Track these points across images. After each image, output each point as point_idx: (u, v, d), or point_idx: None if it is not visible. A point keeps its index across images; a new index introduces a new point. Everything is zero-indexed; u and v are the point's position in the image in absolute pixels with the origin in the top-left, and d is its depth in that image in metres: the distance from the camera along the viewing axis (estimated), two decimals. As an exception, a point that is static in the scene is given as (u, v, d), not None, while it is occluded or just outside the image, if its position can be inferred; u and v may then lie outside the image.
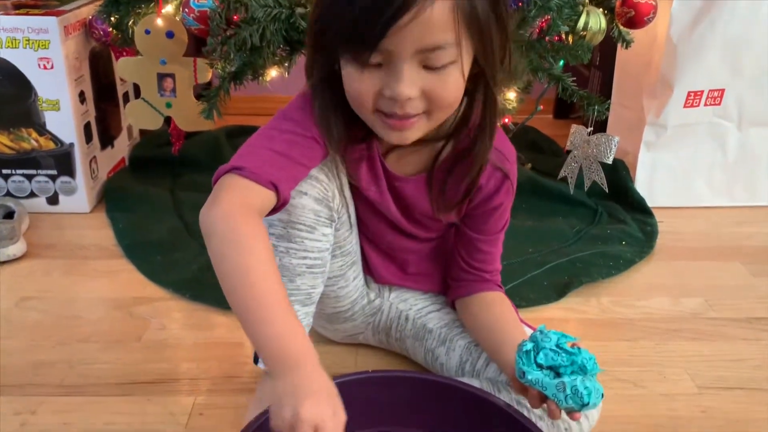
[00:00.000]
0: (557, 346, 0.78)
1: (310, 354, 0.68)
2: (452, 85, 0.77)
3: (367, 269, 1.07)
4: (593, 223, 1.63)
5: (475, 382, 0.94)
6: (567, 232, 1.59)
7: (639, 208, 1.70)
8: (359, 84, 0.76)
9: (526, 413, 0.83)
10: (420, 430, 0.85)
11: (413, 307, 1.09)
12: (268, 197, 0.77)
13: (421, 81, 0.75)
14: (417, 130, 0.80)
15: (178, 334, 1.19)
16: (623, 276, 1.43)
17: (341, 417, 0.65)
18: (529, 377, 0.78)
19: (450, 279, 1.05)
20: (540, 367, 0.78)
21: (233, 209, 0.72)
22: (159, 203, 1.65)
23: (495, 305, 1.00)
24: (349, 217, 0.95)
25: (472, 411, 0.83)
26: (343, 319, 1.08)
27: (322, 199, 0.87)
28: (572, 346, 0.80)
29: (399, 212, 0.98)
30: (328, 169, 0.89)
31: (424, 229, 1.01)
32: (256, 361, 0.98)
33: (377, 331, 1.13)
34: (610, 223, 1.64)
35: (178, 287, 1.30)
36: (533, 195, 1.72)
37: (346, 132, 0.86)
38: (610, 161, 1.38)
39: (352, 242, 0.99)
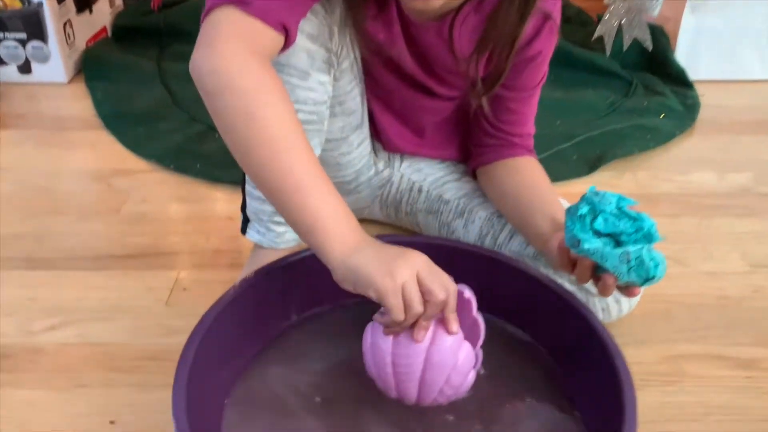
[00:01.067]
0: (618, 209, 0.63)
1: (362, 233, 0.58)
2: None
3: (376, 135, 0.92)
4: (628, 95, 1.46)
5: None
6: (599, 104, 1.42)
7: (678, 80, 1.52)
8: None
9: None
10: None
11: (428, 177, 0.95)
12: (277, 41, 0.63)
13: None
14: None
15: (160, 208, 1.06)
16: (661, 150, 1.27)
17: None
18: (586, 246, 0.63)
19: (473, 144, 0.90)
20: (598, 234, 0.64)
21: (243, 60, 0.58)
22: (143, 73, 1.49)
23: (525, 171, 0.85)
24: (353, 66, 0.78)
25: (503, 282, 0.70)
26: (345, 191, 0.94)
27: (317, 36, 0.70)
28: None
29: (415, 63, 0.81)
30: (326, 1, 0.72)
31: (446, 85, 0.84)
32: (244, 231, 0.85)
33: (385, 205, 0.99)
34: (646, 95, 1.47)
35: (162, 158, 1.17)
36: (561, 65, 1.50)
37: None
38: (655, 13, 1.20)
39: (356, 99, 0.82)
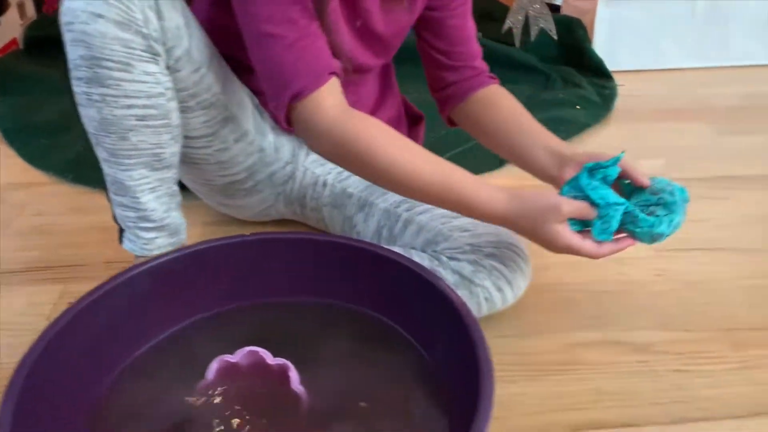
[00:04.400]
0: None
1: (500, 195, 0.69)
2: None
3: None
4: (546, 88, 1.46)
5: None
6: (516, 98, 1.41)
7: (597, 72, 1.53)
8: None
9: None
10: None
11: (332, 170, 0.92)
12: (336, 81, 0.70)
13: None
14: None
15: (55, 220, 1.02)
16: (576, 140, 1.27)
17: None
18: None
19: (436, 91, 0.90)
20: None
21: (332, 127, 0.69)
22: (52, 84, 1.43)
23: (500, 102, 0.87)
24: (190, 54, 0.73)
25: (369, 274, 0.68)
26: (243, 192, 0.91)
27: (126, 23, 0.65)
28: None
29: (356, 39, 0.80)
30: None
31: (383, 51, 0.85)
32: (121, 241, 0.81)
33: (290, 202, 0.96)
34: (564, 88, 1.47)
35: (61, 170, 1.13)
36: (481, 62, 1.53)
37: None
38: (559, 1, 1.19)
39: (211, 89, 0.77)
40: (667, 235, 0.69)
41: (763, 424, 0.68)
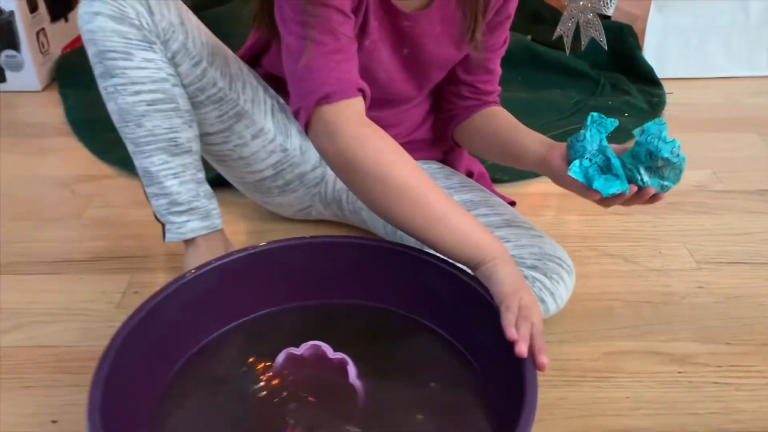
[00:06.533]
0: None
1: (494, 244, 0.67)
2: None
3: None
4: (595, 95, 1.47)
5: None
6: (564, 104, 1.43)
7: (646, 79, 1.53)
8: None
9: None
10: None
11: None
12: (361, 99, 0.70)
13: None
14: None
15: (121, 212, 1.08)
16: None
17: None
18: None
19: (445, 112, 0.92)
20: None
21: (355, 134, 0.67)
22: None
23: (502, 114, 0.89)
24: (201, 48, 0.80)
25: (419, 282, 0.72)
26: (278, 190, 0.95)
27: (120, 17, 0.73)
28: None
29: (399, 65, 0.83)
30: None
31: (425, 82, 0.87)
32: (164, 236, 0.84)
33: (328, 204, 0.99)
34: (613, 94, 1.48)
35: (126, 163, 1.17)
36: (530, 66, 1.54)
37: None
38: (610, 12, 1.21)
39: (219, 85, 0.82)
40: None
41: (799, 439, 0.70)
